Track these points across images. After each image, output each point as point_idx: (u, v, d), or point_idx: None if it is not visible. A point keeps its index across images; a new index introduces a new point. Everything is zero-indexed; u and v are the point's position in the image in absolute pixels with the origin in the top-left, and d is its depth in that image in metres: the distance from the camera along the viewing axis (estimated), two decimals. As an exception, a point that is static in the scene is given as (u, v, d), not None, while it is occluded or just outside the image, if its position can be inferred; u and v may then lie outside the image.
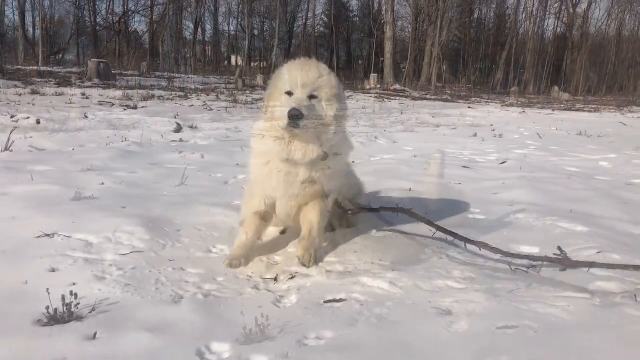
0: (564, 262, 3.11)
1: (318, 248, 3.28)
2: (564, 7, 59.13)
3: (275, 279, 2.93)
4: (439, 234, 3.54)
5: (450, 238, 3.50)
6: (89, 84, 19.92)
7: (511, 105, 24.71)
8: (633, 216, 4.57)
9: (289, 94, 3.17)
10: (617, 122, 16.83)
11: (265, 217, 3.40)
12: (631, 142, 10.81)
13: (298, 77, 3.18)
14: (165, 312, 2.46)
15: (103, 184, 4.80)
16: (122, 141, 7.47)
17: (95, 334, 2.23)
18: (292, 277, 2.95)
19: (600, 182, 6.23)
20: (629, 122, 17.24)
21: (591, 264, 3.04)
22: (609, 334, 2.27)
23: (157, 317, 2.41)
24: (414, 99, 25.70)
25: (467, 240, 3.36)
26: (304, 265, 3.09)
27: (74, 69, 28.72)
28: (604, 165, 7.63)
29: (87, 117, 9.85)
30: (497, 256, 3.31)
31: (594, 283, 2.87)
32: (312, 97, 3.14)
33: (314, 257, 3.15)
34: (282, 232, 3.79)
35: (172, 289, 2.74)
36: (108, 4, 59.65)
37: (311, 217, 3.30)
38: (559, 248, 3.22)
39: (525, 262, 3.18)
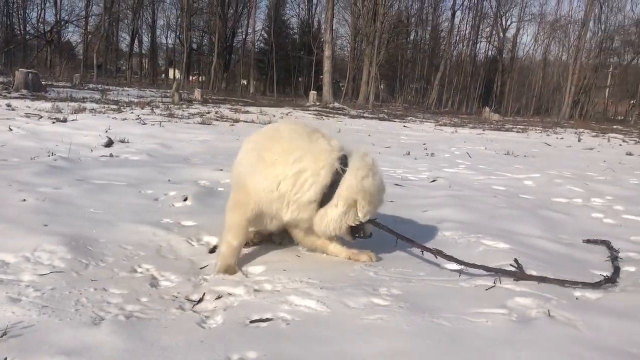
0: (517, 274, 3.30)
1: None
2: (494, 32, 61.94)
3: (201, 299, 2.89)
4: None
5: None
6: (16, 94, 19.04)
7: (444, 124, 25.52)
8: (552, 233, 4.80)
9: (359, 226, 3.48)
10: (542, 142, 17.71)
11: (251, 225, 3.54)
12: (554, 162, 11.40)
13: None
14: (84, 335, 2.37)
15: (25, 200, 4.59)
16: (49, 155, 7.19)
17: (5, 359, 2.12)
18: (219, 297, 2.92)
19: (524, 201, 6.52)
20: (553, 142, 18.17)
21: (542, 279, 3.25)
22: (524, 348, 2.37)
23: (75, 340, 2.32)
24: (352, 116, 26.09)
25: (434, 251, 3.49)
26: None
27: (0, 79, 27.41)
28: (529, 184, 7.99)
29: (11, 129, 9.42)
30: (423, 273, 3.40)
31: (512, 299, 2.98)
32: None
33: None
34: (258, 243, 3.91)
35: (93, 310, 2.65)
36: (39, 12, 57.63)
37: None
38: (515, 260, 3.44)
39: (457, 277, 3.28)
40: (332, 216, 3.33)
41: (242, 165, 3.55)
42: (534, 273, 3.39)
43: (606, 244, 4.35)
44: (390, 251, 3.86)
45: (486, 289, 3.13)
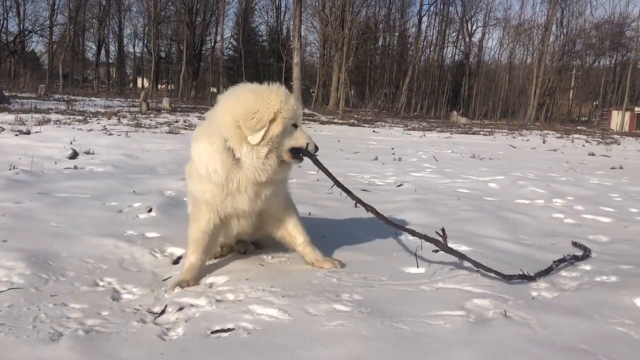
0: (439, 244, 3.52)
1: None
2: (460, 37, 62.91)
3: (163, 311, 2.89)
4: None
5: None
6: (-23, 107, 18.65)
7: (413, 129, 25.81)
8: (513, 234, 4.92)
9: (295, 126, 3.32)
10: (508, 144, 18.05)
11: (213, 237, 3.49)
12: (519, 164, 11.65)
13: (299, 107, 3.35)
14: (41, 352, 2.35)
15: (-17, 216, 4.51)
16: (10, 169, 7.06)
17: (-41, 380, 2.09)
18: (181, 309, 2.92)
19: (488, 203, 6.65)
20: (518, 144, 18.55)
21: (462, 255, 3.50)
22: (479, 349, 2.43)
23: (32, 357, 2.30)
24: (322, 122, 26.20)
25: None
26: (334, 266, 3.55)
27: (-39, 91, 26.74)
28: (493, 187, 8.15)
29: (-29, 143, 9.22)
30: (385, 278, 3.45)
31: (470, 301, 3.05)
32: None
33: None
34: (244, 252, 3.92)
35: (52, 326, 2.62)
36: (1, 22, 56.48)
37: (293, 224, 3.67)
38: (442, 229, 3.62)
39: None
40: (244, 153, 3.21)
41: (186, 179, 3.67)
42: (492, 275, 3.47)
43: (586, 251, 4.39)
44: (355, 257, 3.90)
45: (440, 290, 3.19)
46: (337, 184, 3.62)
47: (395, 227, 3.79)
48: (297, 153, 3.37)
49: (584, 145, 19.56)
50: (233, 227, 3.60)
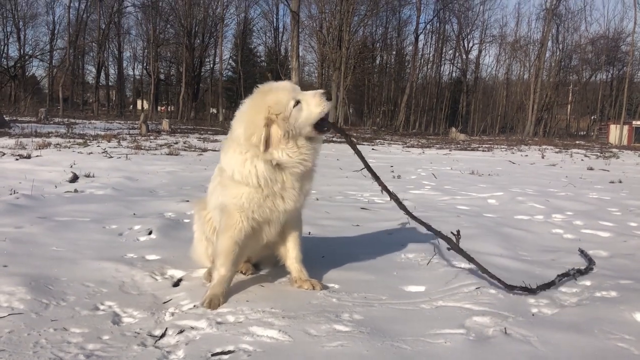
0: (450, 242, 3.77)
1: None
2: (457, 54, 63.43)
3: (164, 334, 2.89)
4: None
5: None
6: (-22, 132, 18.75)
7: (412, 146, 25.89)
8: (512, 251, 4.92)
9: (298, 102, 3.28)
10: (507, 160, 18.10)
11: (243, 248, 3.49)
12: (517, 180, 11.67)
13: (288, 91, 3.33)
14: (42, 378, 2.35)
15: (-16, 241, 4.53)
16: (10, 194, 7.09)
17: (-40, 407, 2.10)
18: (182, 331, 2.91)
19: (487, 219, 6.66)
20: (517, 160, 18.60)
21: (470, 258, 3.72)
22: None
23: (33, 383, 2.30)
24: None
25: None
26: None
27: (-38, 116, 26.88)
28: (492, 203, 8.17)
29: (-28, 168, 9.26)
30: (385, 297, 3.46)
31: (470, 318, 3.05)
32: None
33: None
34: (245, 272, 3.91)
35: (52, 351, 2.62)
36: (2, 47, 57.01)
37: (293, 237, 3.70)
38: (458, 231, 3.79)
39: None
40: (276, 158, 3.29)
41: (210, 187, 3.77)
42: (492, 292, 3.48)
43: (591, 263, 4.40)
44: (355, 276, 3.91)
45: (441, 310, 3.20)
46: (357, 152, 3.81)
47: (415, 219, 4.02)
48: (320, 126, 3.37)
49: (582, 160, 19.61)
50: (264, 236, 3.61)
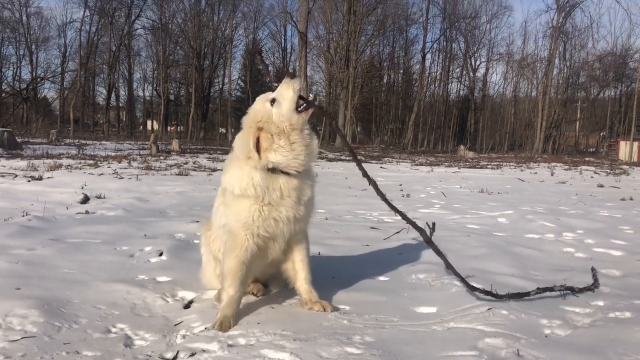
0: (423, 234, 3.98)
1: None
2: (464, 72, 63.64)
3: (175, 357, 2.89)
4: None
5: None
6: (-9, 153, 18.97)
7: (420, 164, 25.89)
8: (523, 271, 4.89)
9: (273, 100, 3.45)
10: (516, 178, 18.04)
11: (249, 267, 3.52)
12: (527, 198, 11.62)
13: (263, 102, 3.51)
14: (55, 402, 2.36)
15: (-3, 263, 4.57)
16: (23, 215, 7.15)
17: None
18: (193, 354, 2.92)
19: (497, 238, 6.63)
20: (526, 177, 18.54)
21: (440, 253, 3.89)
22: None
23: (46, 407, 2.31)
24: (329, 160, 26.35)
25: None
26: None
27: (-25, 138, 27.22)
28: (502, 222, 8.13)
29: (-15, 190, 9.36)
30: (397, 319, 3.44)
31: (482, 340, 3.03)
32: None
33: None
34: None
35: (65, 375, 2.63)
36: (15, 70, 57.89)
37: (300, 258, 3.71)
38: (433, 223, 4.17)
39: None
40: (273, 161, 3.40)
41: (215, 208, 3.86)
42: (504, 313, 3.46)
43: (594, 284, 4.34)
44: (365, 297, 3.91)
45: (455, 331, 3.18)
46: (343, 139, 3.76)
47: (393, 208, 4.11)
48: (299, 106, 3.47)
49: (592, 177, 19.51)
50: (269, 253, 3.64)
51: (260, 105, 3.50)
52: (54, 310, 3.43)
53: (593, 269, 4.71)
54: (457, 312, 3.57)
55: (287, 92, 3.43)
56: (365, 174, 3.65)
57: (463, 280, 3.65)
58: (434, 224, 3.79)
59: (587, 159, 38.78)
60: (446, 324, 3.34)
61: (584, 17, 66.17)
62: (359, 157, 4.14)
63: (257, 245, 3.51)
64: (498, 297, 3.55)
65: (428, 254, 5.39)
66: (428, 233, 3.81)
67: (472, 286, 3.62)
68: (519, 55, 61.02)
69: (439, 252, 3.79)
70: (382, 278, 4.59)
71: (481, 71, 64.25)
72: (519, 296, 3.67)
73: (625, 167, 28.15)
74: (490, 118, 63.16)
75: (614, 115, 59.07)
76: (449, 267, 3.78)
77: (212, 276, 3.99)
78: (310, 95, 3.54)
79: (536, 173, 21.27)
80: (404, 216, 3.90)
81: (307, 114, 3.48)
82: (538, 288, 3.87)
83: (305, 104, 3.46)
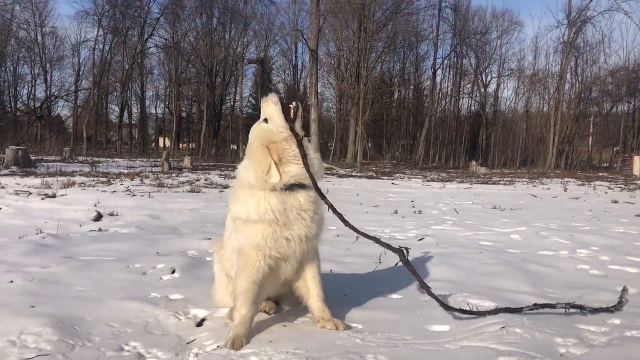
0: (401, 256, 3.83)
1: None
2: (475, 88, 63.61)
3: (188, 376, 2.89)
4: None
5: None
6: (6, 172, 19.20)
7: (432, 180, 25.81)
8: (537, 288, 4.85)
9: (265, 120, 3.61)
10: (529, 194, 17.93)
11: (261, 287, 3.54)
12: (540, 214, 11.54)
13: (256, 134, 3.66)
14: (68, 421, 2.36)
15: (12, 281, 4.60)
16: (37, 233, 7.22)
17: None
18: (206, 372, 2.92)
19: (511, 255, 6.57)
20: (539, 193, 18.40)
21: (415, 273, 3.82)
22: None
23: None
24: (340, 176, 26.37)
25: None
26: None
27: (-10, 156, 27.60)
28: (515, 238, 8.06)
29: (0, 208, 9.45)
30: (410, 337, 3.42)
31: (496, 359, 3.00)
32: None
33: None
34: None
35: (78, 393, 2.64)
36: (30, 89, 58.75)
37: (312, 275, 3.71)
38: (406, 249, 3.91)
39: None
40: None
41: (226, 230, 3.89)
42: (518, 331, 3.42)
43: (619, 304, 4.18)
44: (378, 315, 3.89)
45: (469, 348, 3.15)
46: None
47: (365, 236, 4.00)
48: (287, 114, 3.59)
49: (606, 192, 19.32)
50: (281, 274, 3.66)
51: (258, 128, 3.61)
52: (67, 328, 3.44)
53: (624, 290, 4.48)
54: (471, 331, 3.54)
55: (269, 108, 3.58)
56: (321, 195, 3.68)
57: (438, 300, 3.72)
58: (407, 249, 3.86)
59: (600, 174, 38.44)
60: (459, 343, 3.31)
61: (595, 32, 65.71)
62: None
63: (269, 266, 3.53)
64: (480, 314, 3.64)
65: (440, 272, 5.38)
66: (405, 254, 3.83)
67: (448, 306, 3.72)
68: (530, 70, 60.89)
69: (414, 273, 3.80)
70: (394, 296, 4.57)
71: (492, 87, 64.17)
72: (510, 311, 3.71)
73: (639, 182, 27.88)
74: (502, 133, 62.89)
75: (628, 130, 58.60)
76: (423, 286, 3.83)
77: (224, 294, 3.99)
78: (292, 103, 3.64)
79: (549, 189, 21.11)
80: (376, 240, 3.91)
81: (298, 119, 3.60)
82: (535, 304, 3.86)
83: (290, 110, 3.58)
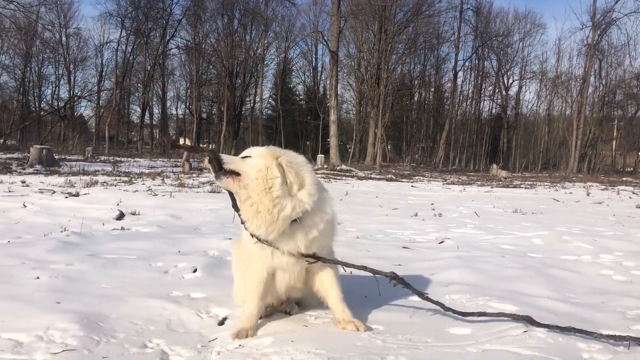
0: (397, 279, 3.82)
1: None
2: (497, 90, 63.03)
3: (211, 374, 2.92)
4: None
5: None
6: (31, 170, 19.54)
7: (452, 183, 25.65)
8: (560, 293, 4.80)
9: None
10: (551, 198, 17.72)
11: (267, 286, 3.69)
12: (563, 218, 11.40)
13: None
14: (94, 415, 2.41)
15: (38, 278, 4.69)
16: (61, 231, 7.34)
17: None
18: (228, 371, 2.95)
19: (532, 260, 6.52)
20: (561, 197, 18.18)
21: (408, 285, 3.84)
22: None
23: (86, 420, 2.36)
24: (360, 178, 26.34)
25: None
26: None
27: (16, 155, 28.14)
28: (537, 242, 7.99)
29: (25, 206, 9.63)
30: (431, 339, 3.42)
31: (518, 363, 2.98)
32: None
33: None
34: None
35: (104, 388, 2.68)
36: (54, 89, 59.72)
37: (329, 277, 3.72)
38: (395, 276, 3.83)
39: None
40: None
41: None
42: (541, 335, 3.39)
43: None
44: (399, 318, 3.89)
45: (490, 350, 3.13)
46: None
47: (350, 266, 3.99)
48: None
49: (630, 197, 19.01)
50: (277, 282, 3.73)
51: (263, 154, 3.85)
52: (92, 325, 3.50)
53: None
54: (492, 334, 3.52)
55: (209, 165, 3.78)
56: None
57: (438, 303, 3.72)
58: (395, 273, 3.86)
59: (624, 178, 37.85)
60: (481, 346, 3.29)
61: (620, 35, 64.91)
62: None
63: (268, 273, 3.67)
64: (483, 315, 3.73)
65: (461, 275, 5.35)
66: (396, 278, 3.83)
67: (446, 307, 3.78)
68: (553, 73, 60.21)
69: (408, 285, 3.80)
70: (415, 298, 4.54)
71: (514, 89, 63.61)
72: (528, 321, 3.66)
73: (664, 187, 27.36)
74: (523, 137, 62.29)
75: (653, 134, 57.58)
76: (420, 295, 3.83)
77: (243, 294, 4.02)
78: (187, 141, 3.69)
79: (571, 193, 20.85)
80: (365, 268, 3.92)
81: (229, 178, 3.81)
82: (573, 328, 3.63)
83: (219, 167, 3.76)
